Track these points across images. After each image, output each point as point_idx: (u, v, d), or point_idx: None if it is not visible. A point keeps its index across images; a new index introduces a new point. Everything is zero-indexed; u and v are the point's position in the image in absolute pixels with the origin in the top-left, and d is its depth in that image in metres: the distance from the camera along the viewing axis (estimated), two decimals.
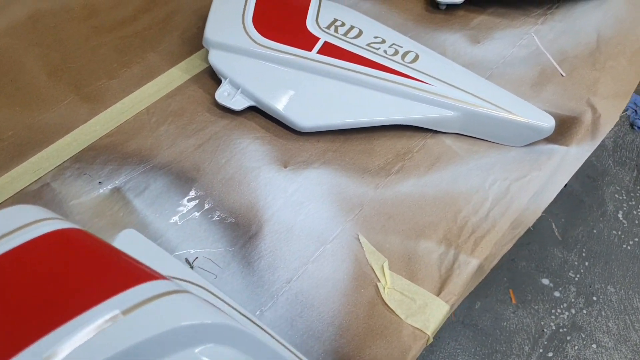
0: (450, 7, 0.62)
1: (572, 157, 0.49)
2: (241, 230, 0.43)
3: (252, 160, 0.48)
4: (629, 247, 1.20)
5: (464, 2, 0.61)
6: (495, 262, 0.43)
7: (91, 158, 0.48)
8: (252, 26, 0.53)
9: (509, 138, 0.49)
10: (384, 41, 0.52)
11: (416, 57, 0.51)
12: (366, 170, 0.47)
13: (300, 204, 0.45)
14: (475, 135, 0.50)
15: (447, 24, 0.61)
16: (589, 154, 0.49)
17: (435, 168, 0.48)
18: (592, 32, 0.60)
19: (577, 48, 0.58)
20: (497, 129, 0.48)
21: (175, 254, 0.42)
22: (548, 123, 0.47)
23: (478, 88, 0.49)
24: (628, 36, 0.59)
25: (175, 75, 0.56)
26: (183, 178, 0.46)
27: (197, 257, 0.42)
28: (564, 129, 0.51)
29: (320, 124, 0.49)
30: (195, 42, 0.59)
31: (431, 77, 0.49)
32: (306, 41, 0.52)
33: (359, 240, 0.43)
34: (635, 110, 1.47)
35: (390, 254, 0.42)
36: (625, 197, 1.28)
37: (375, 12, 0.62)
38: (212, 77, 0.55)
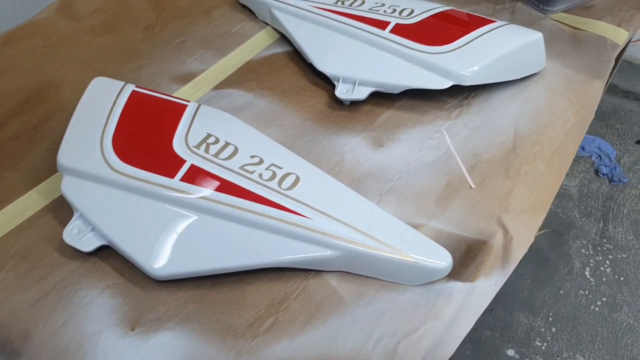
0: (356, 102, 0.56)
1: (478, 294, 0.42)
2: None
3: (94, 320, 0.40)
4: (596, 309, 1.12)
5: (371, 93, 0.55)
6: None
7: None
8: (112, 148, 0.47)
9: (401, 277, 0.42)
10: (261, 161, 0.46)
11: (296, 181, 0.45)
12: (230, 329, 0.40)
13: None
14: (363, 274, 0.43)
15: (349, 123, 0.55)
16: (498, 287, 0.42)
17: (314, 321, 0.40)
18: (509, 127, 0.54)
19: (491, 148, 0.52)
20: (385, 269, 0.41)
21: None
22: (443, 262, 0.41)
23: (363, 219, 0.43)
24: (546, 133, 0.53)
25: (31, 201, 0.49)
26: (6, 351, 0.39)
27: None
28: (469, 259, 0.44)
29: (177, 272, 0.41)
30: None
31: (310, 209, 0.43)
32: (170, 166, 0.45)
33: None
34: (600, 156, 1.42)
35: None
36: (592, 252, 1.21)
37: (271, 111, 0.56)
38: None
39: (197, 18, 0.69)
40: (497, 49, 0.54)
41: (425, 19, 0.58)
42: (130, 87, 0.52)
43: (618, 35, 0.63)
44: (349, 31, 0.58)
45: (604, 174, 1.34)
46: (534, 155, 0.50)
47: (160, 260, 0.41)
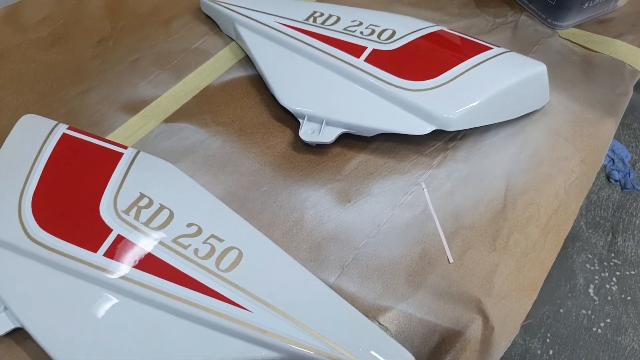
0: (324, 144, 0.49)
1: None
2: None
3: None
4: (599, 331, 1.06)
5: (342, 134, 0.47)
6: None
7: None
8: (31, 212, 0.40)
9: None
10: (199, 231, 0.39)
11: (238, 259, 0.38)
12: None
13: None
14: None
15: (314, 170, 0.47)
16: None
17: None
18: (501, 179, 0.46)
19: (477, 209, 0.44)
20: None
21: None
22: None
23: (314, 311, 0.36)
24: (544, 189, 0.44)
25: None
26: None
27: None
28: (441, 354, 0.37)
29: None
30: None
31: (251, 298, 0.36)
32: (94, 236, 0.38)
33: None
34: (612, 159, 1.32)
35: None
36: (597, 268, 1.14)
37: (225, 154, 0.48)
38: None
39: (156, 30, 0.61)
40: (491, 86, 0.46)
41: (407, 43, 0.50)
42: (61, 129, 0.45)
43: (636, 60, 0.54)
44: (318, 57, 0.50)
45: (616, 180, 1.25)
46: (527, 220, 0.43)
47: (71, 351, 0.35)
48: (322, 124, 0.47)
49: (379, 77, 0.47)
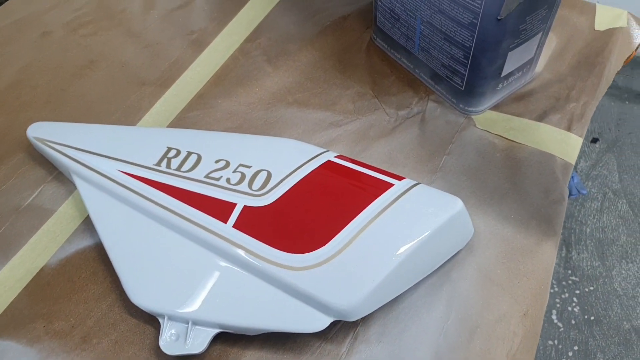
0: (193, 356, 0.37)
1: None
2: None
3: None
4: None
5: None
6: None
7: None
8: None
9: None
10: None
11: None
12: None
13: None
14: None
15: None
16: None
17: None
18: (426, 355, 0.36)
19: None
20: None
21: None
22: None
23: None
24: None
25: None
26: None
27: None
28: None
29: None
30: None
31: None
32: None
33: None
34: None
35: None
36: (557, 290, 1.09)
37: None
38: None
39: None
40: (398, 246, 0.35)
41: (286, 193, 0.38)
42: None
43: (569, 147, 0.45)
44: (175, 224, 0.38)
45: (570, 194, 1.20)
46: None
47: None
48: (188, 324, 0.36)
49: (254, 252, 0.35)
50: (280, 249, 0.35)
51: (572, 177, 1.23)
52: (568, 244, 1.12)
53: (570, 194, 1.19)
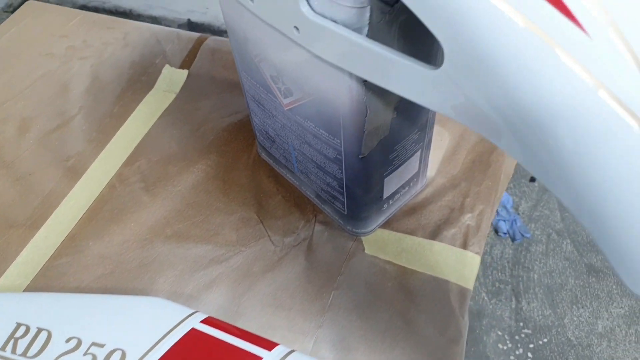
0: None
1: None
2: None
3: None
4: None
5: None
6: None
7: None
8: None
9: None
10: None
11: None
12: None
13: None
14: None
15: None
16: None
17: None
18: None
19: None
20: None
21: None
22: None
23: None
24: None
25: None
26: None
27: None
28: None
29: None
30: None
31: None
32: None
33: None
34: (497, 210, 1.27)
35: None
36: (510, 346, 1.06)
37: None
38: None
39: None
40: None
41: None
42: None
43: (466, 268, 0.42)
44: None
45: (505, 233, 1.20)
46: None
47: None
48: None
49: None
50: None
51: (515, 220, 1.23)
52: (517, 293, 1.10)
53: (514, 239, 1.19)
